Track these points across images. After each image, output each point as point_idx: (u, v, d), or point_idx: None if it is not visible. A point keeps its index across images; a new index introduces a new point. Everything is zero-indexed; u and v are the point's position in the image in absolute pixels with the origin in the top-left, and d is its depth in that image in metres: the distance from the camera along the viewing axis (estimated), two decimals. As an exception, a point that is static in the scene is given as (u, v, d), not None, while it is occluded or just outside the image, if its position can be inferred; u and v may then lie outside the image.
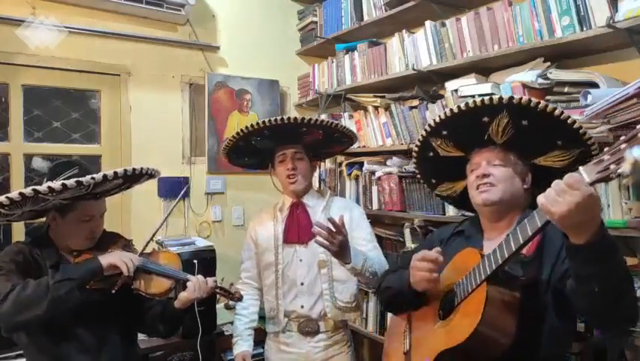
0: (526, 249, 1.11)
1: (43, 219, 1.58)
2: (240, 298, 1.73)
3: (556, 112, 1.20)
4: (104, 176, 1.34)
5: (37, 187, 1.27)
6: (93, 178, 1.32)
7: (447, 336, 1.15)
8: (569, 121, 1.21)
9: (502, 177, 1.26)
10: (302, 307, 1.84)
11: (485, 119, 1.28)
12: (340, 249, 1.54)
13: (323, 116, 2.95)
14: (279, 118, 1.79)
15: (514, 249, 1.03)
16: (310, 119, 1.82)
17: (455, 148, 1.42)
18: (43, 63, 2.52)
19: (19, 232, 2.48)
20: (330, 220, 1.50)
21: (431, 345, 1.21)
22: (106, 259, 1.38)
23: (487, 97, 1.25)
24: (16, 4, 2.44)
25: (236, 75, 3.10)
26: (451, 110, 1.33)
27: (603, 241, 0.92)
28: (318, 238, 1.52)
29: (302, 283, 1.85)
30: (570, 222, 0.90)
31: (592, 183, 0.87)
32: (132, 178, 1.49)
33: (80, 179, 1.30)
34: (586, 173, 0.88)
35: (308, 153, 1.94)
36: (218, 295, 1.68)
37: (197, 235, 2.89)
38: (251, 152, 2.01)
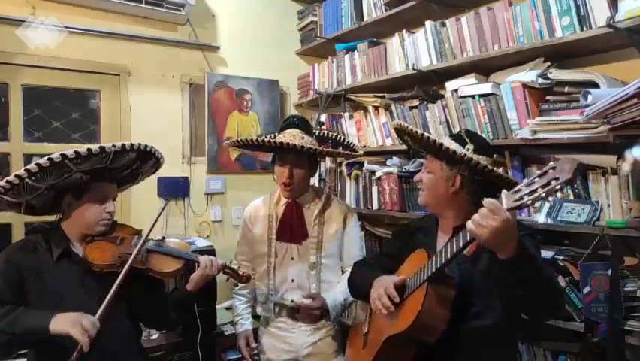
0: (467, 251, 1.29)
1: (47, 218, 1.61)
2: (247, 280, 1.78)
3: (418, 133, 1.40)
4: (123, 145, 1.44)
5: (65, 152, 1.34)
6: (114, 146, 1.41)
7: (394, 324, 1.35)
8: (427, 139, 1.37)
9: (427, 183, 1.46)
10: (292, 301, 1.91)
11: (406, 137, 1.54)
12: (321, 315, 1.84)
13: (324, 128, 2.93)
14: (278, 142, 1.79)
15: (448, 257, 1.22)
16: (309, 148, 1.81)
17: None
18: (43, 63, 2.52)
19: (19, 232, 2.48)
20: (306, 305, 1.81)
21: (382, 330, 1.41)
22: (57, 324, 1.30)
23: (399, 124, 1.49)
24: (16, 4, 2.44)
25: (237, 75, 3.10)
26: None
27: (522, 254, 1.10)
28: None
29: (292, 280, 1.92)
30: (492, 243, 1.09)
31: (509, 210, 1.04)
32: (143, 156, 1.57)
33: (103, 145, 1.40)
34: (505, 200, 1.06)
35: (309, 158, 1.91)
36: (227, 276, 1.73)
37: (197, 235, 2.90)
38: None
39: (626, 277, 1.60)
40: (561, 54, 1.86)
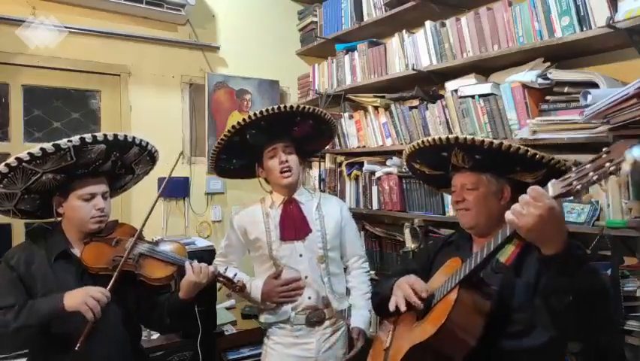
0: (506, 258, 1.20)
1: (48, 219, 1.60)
2: (242, 289, 1.71)
3: (503, 147, 1.23)
4: (82, 138, 1.37)
5: (19, 155, 1.31)
6: (70, 141, 1.35)
7: (417, 333, 1.22)
8: (518, 152, 1.23)
9: (475, 201, 1.33)
10: (309, 298, 1.87)
11: (444, 153, 1.35)
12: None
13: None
14: (275, 107, 1.79)
15: (484, 256, 1.11)
16: (304, 107, 1.83)
17: (434, 170, 1.50)
18: (43, 63, 2.52)
19: (19, 232, 2.48)
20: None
21: (405, 341, 1.28)
22: (68, 302, 1.34)
23: (438, 137, 1.32)
24: (16, 4, 2.44)
25: (237, 75, 3.10)
26: (410, 147, 1.46)
27: (571, 251, 0.98)
28: None
29: (306, 277, 1.88)
30: (536, 234, 0.97)
31: (555, 197, 0.93)
32: (118, 146, 1.49)
33: (58, 142, 1.33)
34: (552, 187, 0.95)
35: (296, 148, 1.95)
36: (219, 284, 1.68)
37: (197, 235, 2.90)
38: (240, 151, 1.96)
39: (625, 277, 1.60)
40: (561, 54, 1.86)
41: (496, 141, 1.23)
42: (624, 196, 1.59)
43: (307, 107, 1.85)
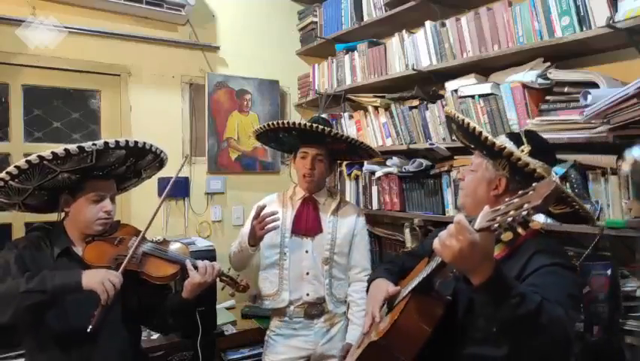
0: None
1: (48, 217, 1.61)
2: (245, 289, 1.71)
3: (455, 116, 1.29)
4: (106, 143, 1.39)
5: (42, 153, 1.34)
6: (95, 144, 1.37)
7: (379, 329, 1.27)
8: (469, 128, 1.23)
9: (467, 183, 1.33)
10: (308, 294, 1.95)
11: (453, 125, 1.40)
12: None
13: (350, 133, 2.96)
14: (308, 124, 1.85)
15: (424, 276, 1.14)
16: (337, 133, 1.90)
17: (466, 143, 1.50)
18: (43, 63, 2.52)
19: (19, 232, 2.47)
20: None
21: (373, 331, 1.32)
22: (88, 280, 1.34)
23: (448, 111, 1.38)
24: (16, 4, 2.44)
25: (237, 75, 3.10)
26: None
27: (496, 284, 0.94)
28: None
29: (307, 273, 1.96)
30: (459, 265, 0.96)
31: (479, 230, 0.89)
32: (136, 152, 1.52)
33: (82, 144, 1.36)
34: (480, 218, 0.91)
35: (329, 155, 2.01)
36: (223, 284, 1.68)
37: (197, 235, 2.89)
38: (277, 141, 2.12)
39: (625, 277, 1.61)
40: (561, 54, 1.86)
41: (453, 111, 1.28)
42: (624, 196, 1.59)
43: (337, 132, 1.90)
